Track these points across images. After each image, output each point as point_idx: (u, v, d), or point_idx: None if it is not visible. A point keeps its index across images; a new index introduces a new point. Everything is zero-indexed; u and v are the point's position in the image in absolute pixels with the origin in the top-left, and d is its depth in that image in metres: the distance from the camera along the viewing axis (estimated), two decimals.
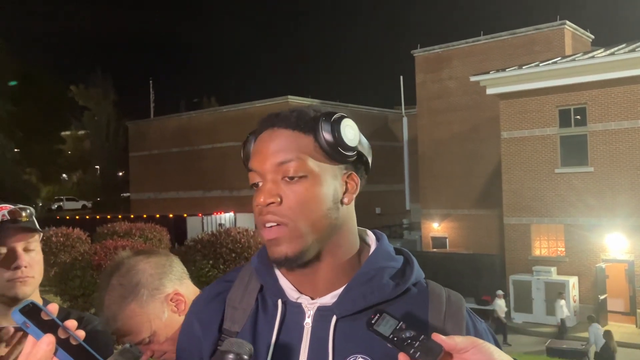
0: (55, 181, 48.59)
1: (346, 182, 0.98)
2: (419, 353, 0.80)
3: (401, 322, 0.83)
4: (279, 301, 0.99)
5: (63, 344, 0.78)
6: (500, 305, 15.51)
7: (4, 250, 1.49)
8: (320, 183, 0.94)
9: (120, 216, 23.81)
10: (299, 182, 0.93)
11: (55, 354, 0.77)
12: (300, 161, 0.93)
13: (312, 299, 0.98)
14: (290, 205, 0.93)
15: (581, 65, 16.43)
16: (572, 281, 16.42)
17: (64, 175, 51.74)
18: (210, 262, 9.69)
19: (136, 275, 1.41)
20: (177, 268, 1.50)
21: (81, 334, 0.81)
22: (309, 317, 0.96)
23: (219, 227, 14.30)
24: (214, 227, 20.63)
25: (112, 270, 1.46)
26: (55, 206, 45.82)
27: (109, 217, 23.39)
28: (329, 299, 0.96)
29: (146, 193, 35.83)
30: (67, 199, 47.86)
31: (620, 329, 15.38)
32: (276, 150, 0.94)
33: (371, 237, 1.06)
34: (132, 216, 24.56)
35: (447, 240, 23.44)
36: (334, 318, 0.95)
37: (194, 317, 1.07)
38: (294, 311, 0.98)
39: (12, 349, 1.21)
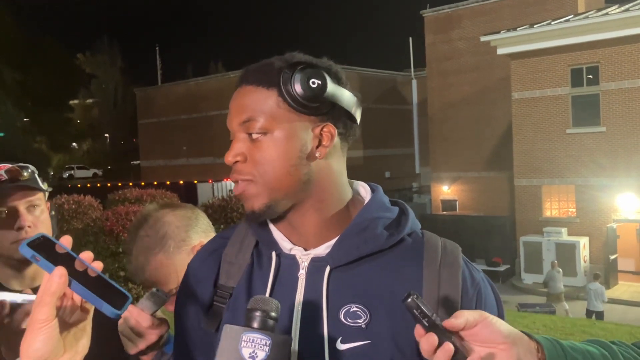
0: (66, 150, 48.74)
1: (321, 135, 0.95)
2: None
3: (434, 313, 0.80)
4: (273, 253, 0.98)
5: (79, 276, 0.76)
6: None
7: (4, 210, 1.42)
8: (284, 139, 0.93)
9: (130, 184, 23.91)
10: (261, 139, 0.93)
11: (69, 286, 0.75)
12: (260, 118, 0.92)
13: (305, 250, 0.97)
14: (253, 163, 0.94)
15: (594, 23, 16.07)
16: (583, 242, 16.42)
17: (74, 144, 51.93)
18: (222, 226, 9.77)
19: (163, 227, 1.43)
20: (203, 221, 1.52)
21: (98, 265, 0.79)
22: (303, 268, 0.96)
23: (230, 193, 14.36)
24: (224, 193, 20.70)
25: (139, 222, 1.47)
26: (66, 175, 46.15)
27: (119, 184, 23.51)
28: (323, 249, 0.96)
29: (156, 160, 35.96)
30: (78, 168, 48.18)
31: (631, 289, 15.47)
32: (240, 109, 0.95)
33: (366, 190, 1.05)
34: (142, 183, 24.67)
35: (457, 203, 23.43)
36: (328, 269, 0.94)
37: (190, 273, 1.07)
38: (288, 263, 0.98)
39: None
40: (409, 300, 0.78)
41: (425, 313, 0.78)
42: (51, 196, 1.61)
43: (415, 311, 0.78)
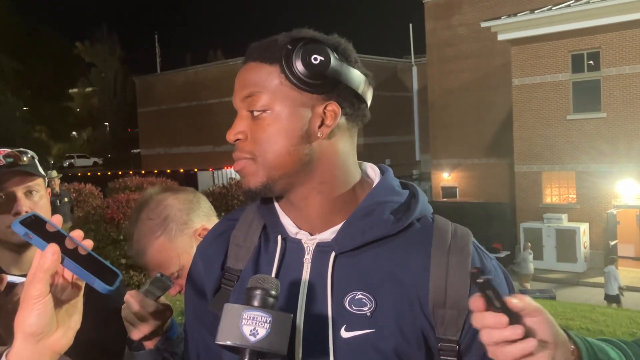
0: (66, 139, 48.78)
1: (324, 114, 0.92)
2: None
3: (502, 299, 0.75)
4: (279, 237, 0.97)
5: (71, 253, 0.77)
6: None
7: (1, 195, 1.43)
8: (285, 117, 0.90)
9: (131, 172, 23.86)
10: (261, 116, 0.91)
11: (62, 263, 0.76)
12: (261, 94, 0.90)
13: (311, 234, 0.95)
14: (253, 141, 0.92)
15: (595, 8, 15.96)
16: (583, 228, 16.44)
17: (74, 132, 51.90)
18: (222, 214, 9.80)
19: (165, 210, 1.42)
20: (205, 205, 1.51)
21: (89, 243, 0.80)
22: (308, 253, 0.94)
23: (230, 181, 14.33)
24: (225, 181, 20.68)
25: (140, 205, 1.46)
26: (66, 164, 46.14)
27: (120, 173, 23.50)
28: (329, 234, 0.94)
29: (156, 149, 35.93)
30: (78, 157, 48.16)
31: (630, 274, 15.50)
32: (243, 85, 0.93)
33: (375, 172, 1.02)
34: (142, 172, 24.63)
35: (457, 189, 23.44)
36: (333, 254, 0.92)
37: (198, 255, 1.07)
38: (294, 247, 0.96)
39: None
40: (482, 279, 0.73)
41: (499, 293, 0.73)
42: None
43: (488, 291, 0.73)
